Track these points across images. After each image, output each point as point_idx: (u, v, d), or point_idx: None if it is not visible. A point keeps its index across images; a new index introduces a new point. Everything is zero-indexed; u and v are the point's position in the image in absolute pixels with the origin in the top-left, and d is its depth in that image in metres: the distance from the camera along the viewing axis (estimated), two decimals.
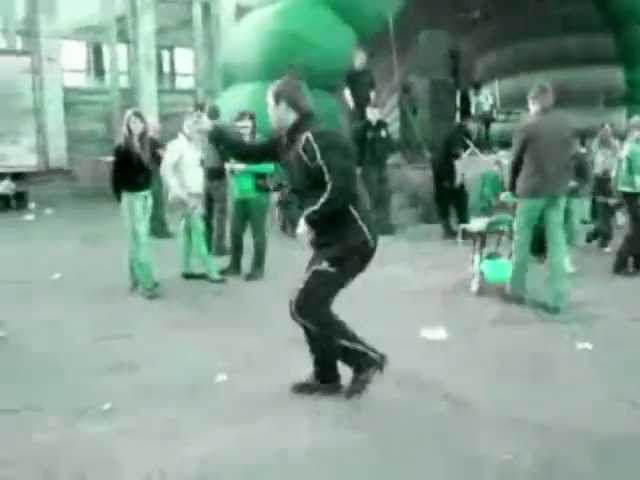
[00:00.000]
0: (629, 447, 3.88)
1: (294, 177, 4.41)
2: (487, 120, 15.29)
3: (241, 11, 19.13)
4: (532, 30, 15.34)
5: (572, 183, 7.91)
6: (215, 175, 8.68)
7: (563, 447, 3.84)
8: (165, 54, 22.86)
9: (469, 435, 4.01)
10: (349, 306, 4.75)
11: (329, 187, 4.11)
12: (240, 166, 7.72)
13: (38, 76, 16.75)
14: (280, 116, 4.37)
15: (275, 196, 10.61)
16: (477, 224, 7.64)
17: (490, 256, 7.50)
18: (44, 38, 18.30)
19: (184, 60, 23.03)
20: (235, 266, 8.17)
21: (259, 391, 4.69)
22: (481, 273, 7.27)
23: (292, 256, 9.08)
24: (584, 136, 12.95)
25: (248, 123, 7.85)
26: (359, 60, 11.96)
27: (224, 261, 8.29)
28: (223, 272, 8.00)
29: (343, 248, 4.29)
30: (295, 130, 4.30)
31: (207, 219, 8.68)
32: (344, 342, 4.42)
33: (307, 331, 4.51)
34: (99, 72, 21.38)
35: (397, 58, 12.36)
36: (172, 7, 21.40)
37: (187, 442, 3.95)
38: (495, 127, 15.47)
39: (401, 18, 12.24)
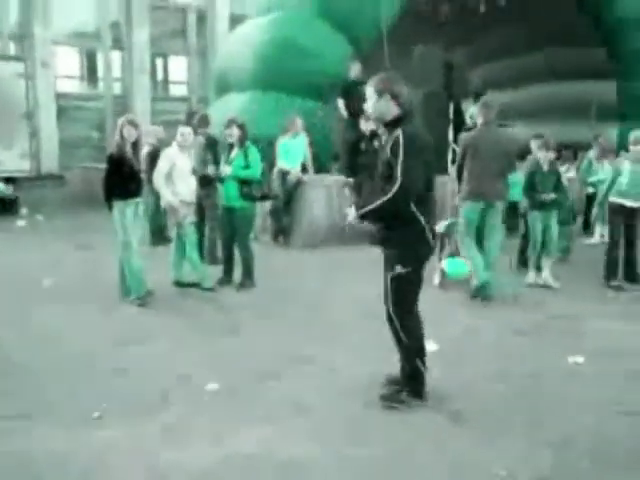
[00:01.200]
0: (628, 458, 3.89)
1: (378, 172, 4.55)
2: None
3: (235, 20, 19.17)
4: (526, 43, 15.43)
5: (551, 196, 8.02)
6: (206, 183, 8.67)
7: (562, 460, 3.85)
8: (159, 61, 22.84)
9: (466, 449, 4.01)
10: (339, 314, 4.74)
11: (394, 186, 4.25)
12: (227, 169, 7.77)
13: (31, 81, 16.71)
14: (382, 110, 4.47)
15: (266, 205, 10.62)
16: (438, 226, 7.94)
17: (451, 255, 8.05)
18: (38, 43, 18.28)
19: (178, 68, 23.01)
20: (227, 276, 8.15)
21: (251, 399, 4.69)
22: (442, 270, 7.94)
23: (283, 266, 9.16)
24: (576, 149, 13.07)
25: (235, 131, 7.87)
26: (354, 71, 11.97)
27: (217, 270, 8.26)
28: (219, 283, 8.00)
29: (407, 249, 4.51)
30: (395, 124, 4.42)
31: (199, 227, 8.66)
32: (413, 355, 4.62)
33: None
34: (93, 78, 21.32)
35: (391, 70, 12.39)
36: (167, 15, 21.41)
37: (179, 450, 3.94)
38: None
39: (396, 30, 12.28)
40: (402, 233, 4.49)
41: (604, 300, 7.65)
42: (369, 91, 4.50)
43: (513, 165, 7.87)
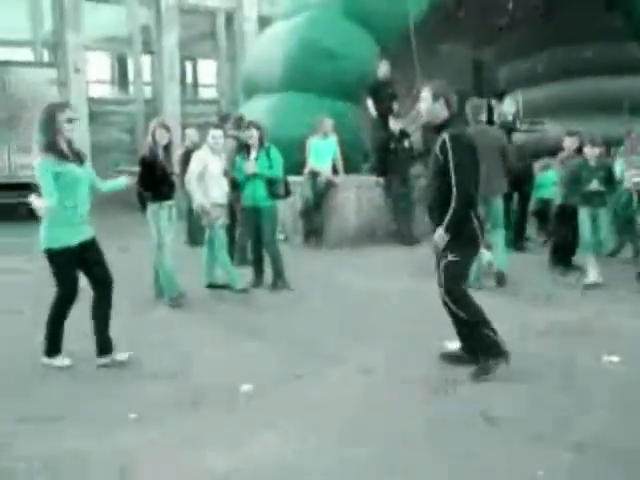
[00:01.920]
0: None
1: (429, 173, 5.13)
2: (509, 129, 15.19)
3: (264, 22, 19.24)
4: (555, 39, 15.29)
5: (594, 185, 7.92)
6: (237, 186, 8.71)
7: (595, 463, 3.81)
8: (188, 65, 23.02)
9: (499, 450, 4.00)
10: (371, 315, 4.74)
11: (454, 198, 4.80)
12: (252, 166, 7.85)
13: (64, 87, 16.95)
14: (436, 112, 4.96)
15: (297, 206, 10.65)
16: None
17: None
18: (70, 49, 18.53)
19: (207, 71, 23.18)
20: (258, 277, 8.19)
21: (284, 400, 4.72)
22: None
23: (315, 267, 9.18)
24: (609, 145, 12.91)
25: (254, 132, 7.96)
26: (382, 71, 11.97)
27: (248, 271, 8.30)
28: (252, 285, 8.05)
29: (460, 243, 4.99)
30: (444, 126, 4.93)
31: (230, 229, 8.71)
32: (479, 325, 5.01)
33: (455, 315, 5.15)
34: (124, 83, 21.57)
35: (419, 69, 12.36)
36: (196, 19, 21.58)
37: (216, 452, 3.97)
38: (518, 136, 15.38)
39: (424, 28, 12.25)
40: (457, 231, 4.95)
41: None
42: (426, 94, 4.94)
43: (509, 158, 8.20)
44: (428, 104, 4.96)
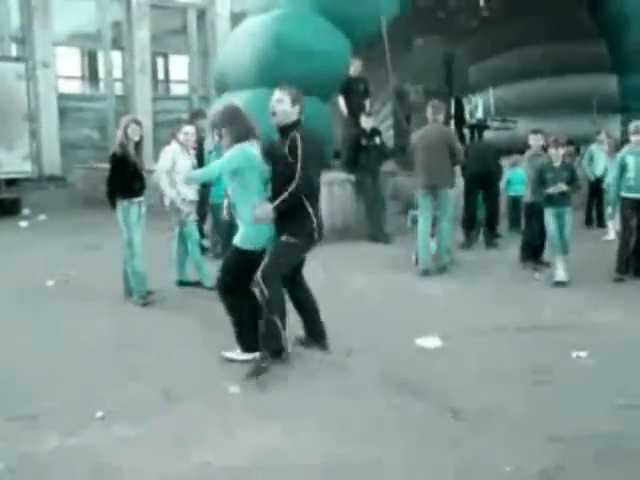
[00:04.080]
0: (630, 449, 3.90)
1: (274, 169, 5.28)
2: (480, 127, 15.29)
3: (236, 18, 19.16)
4: (526, 38, 15.41)
5: (560, 187, 7.98)
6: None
7: (568, 455, 3.85)
8: (160, 61, 22.83)
9: (473, 444, 4.01)
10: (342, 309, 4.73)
11: (294, 182, 5.06)
12: None
13: (32, 82, 16.72)
14: (290, 116, 5.28)
15: None
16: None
17: None
18: (39, 44, 18.30)
19: (179, 67, 23.01)
20: None
21: (261, 398, 4.70)
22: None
23: None
24: (579, 144, 13.05)
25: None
26: (355, 68, 11.97)
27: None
28: None
29: (297, 229, 5.23)
30: (293, 127, 5.23)
31: (199, 225, 8.64)
32: (274, 311, 5.16)
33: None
34: (94, 79, 21.32)
35: (391, 65, 12.39)
36: (167, 14, 21.40)
37: (192, 450, 3.95)
38: (489, 134, 15.50)
39: (395, 25, 12.26)
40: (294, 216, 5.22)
41: (611, 294, 7.61)
42: (284, 97, 5.27)
43: (459, 155, 8.81)
44: (286, 107, 5.25)
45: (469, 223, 10.55)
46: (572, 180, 8.17)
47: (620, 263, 8.13)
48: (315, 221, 5.28)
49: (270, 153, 5.29)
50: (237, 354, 5.41)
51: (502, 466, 3.72)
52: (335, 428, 4.26)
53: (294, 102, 5.30)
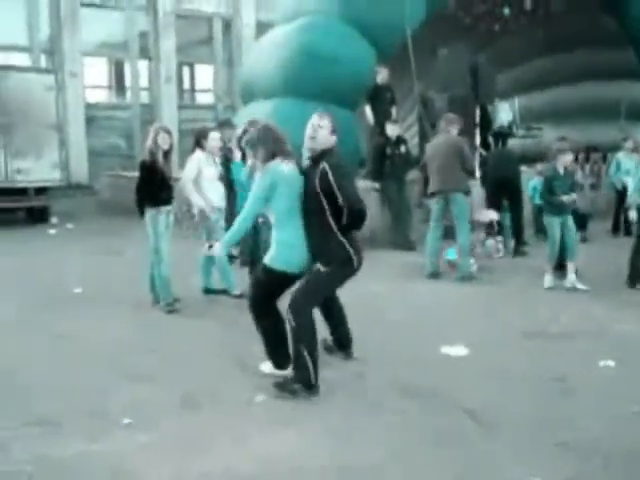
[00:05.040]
0: None
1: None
2: (504, 135, 15.20)
3: (261, 27, 19.27)
4: (553, 45, 15.32)
5: (572, 197, 8.01)
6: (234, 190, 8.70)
7: (588, 466, 3.82)
8: (186, 70, 23.03)
9: (492, 454, 4.00)
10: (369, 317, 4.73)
11: (345, 214, 4.94)
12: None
13: (61, 92, 16.95)
14: (327, 143, 5.10)
15: None
16: None
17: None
18: (67, 55, 18.57)
19: (204, 76, 23.19)
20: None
21: (282, 405, 4.72)
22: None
23: None
24: (605, 151, 12.94)
25: None
26: (382, 76, 11.98)
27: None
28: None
29: (329, 258, 5.02)
30: (324, 156, 5.02)
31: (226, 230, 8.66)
32: (302, 346, 4.88)
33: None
34: (120, 88, 21.58)
35: (416, 73, 12.38)
36: (193, 24, 21.61)
37: (206, 457, 3.97)
38: (515, 142, 15.41)
39: (420, 33, 12.27)
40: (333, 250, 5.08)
41: (627, 303, 7.56)
42: (326, 123, 5.12)
43: (468, 162, 8.94)
44: (327, 133, 5.09)
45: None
46: (572, 188, 8.29)
47: (633, 270, 8.14)
48: (350, 249, 5.02)
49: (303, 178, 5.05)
50: (269, 368, 5.30)
51: (523, 476, 3.70)
52: (351, 437, 4.26)
53: (333, 132, 5.15)
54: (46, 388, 5.12)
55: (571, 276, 8.14)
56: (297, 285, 5.00)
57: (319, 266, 4.92)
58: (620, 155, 11.95)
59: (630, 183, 10.82)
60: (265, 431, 4.34)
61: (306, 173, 5.04)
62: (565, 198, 8.03)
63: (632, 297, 7.78)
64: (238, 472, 3.80)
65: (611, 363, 5.47)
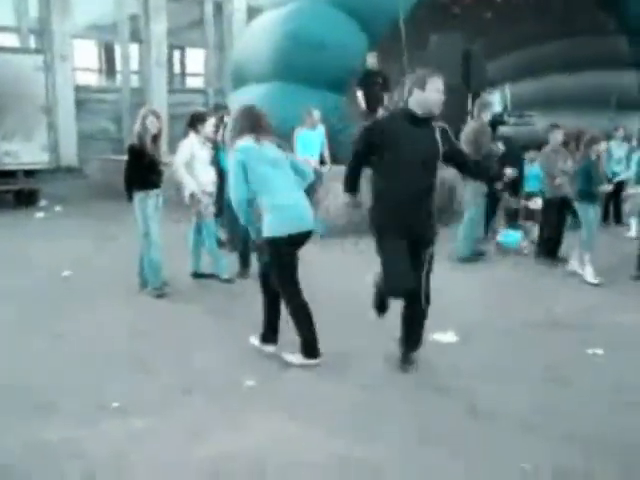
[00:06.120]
0: None
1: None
2: (495, 123, 15.18)
3: (252, 11, 19.17)
4: (545, 33, 15.30)
5: (609, 187, 8.08)
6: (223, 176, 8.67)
7: (582, 454, 3.84)
8: (176, 54, 22.89)
9: (486, 441, 4.01)
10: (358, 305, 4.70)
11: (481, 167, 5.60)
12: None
13: (50, 74, 16.79)
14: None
15: None
16: None
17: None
18: (57, 37, 18.41)
19: (195, 60, 23.06)
20: (244, 268, 8.13)
21: (270, 392, 4.71)
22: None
23: (301, 257, 9.12)
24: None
25: None
26: (370, 62, 11.94)
27: (235, 261, 8.26)
28: (238, 275, 7.99)
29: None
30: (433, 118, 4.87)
31: (217, 217, 8.64)
32: None
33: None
34: (111, 71, 21.42)
35: (408, 60, 12.34)
36: (184, 7, 21.45)
37: (200, 442, 3.96)
38: (507, 130, 15.40)
39: (412, 20, 12.21)
40: None
41: (630, 293, 7.58)
42: (442, 86, 4.76)
43: (483, 148, 8.76)
44: (443, 96, 4.78)
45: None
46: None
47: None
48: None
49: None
50: (296, 358, 5.28)
51: (516, 463, 3.71)
52: (345, 421, 4.27)
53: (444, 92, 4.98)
54: (36, 375, 5.09)
55: (589, 269, 8.02)
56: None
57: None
58: (611, 144, 11.96)
59: (623, 172, 10.89)
60: (257, 415, 4.34)
61: (410, 133, 4.79)
62: (603, 188, 8.11)
63: (631, 286, 7.83)
64: (234, 457, 3.79)
65: (603, 352, 5.49)
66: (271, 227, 5.05)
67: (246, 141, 5.09)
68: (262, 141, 5.11)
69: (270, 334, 5.47)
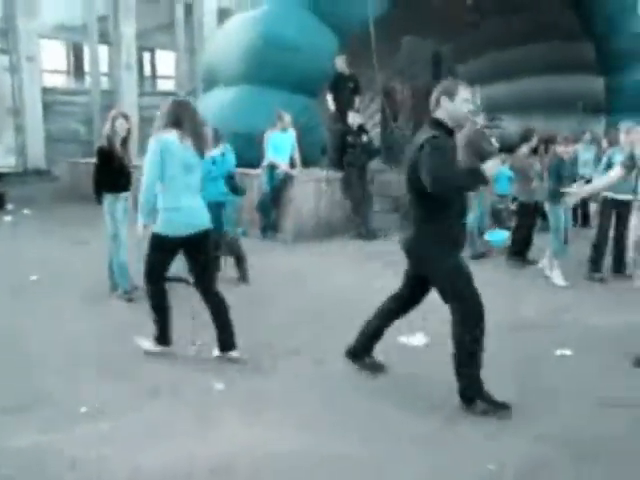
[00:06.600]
0: (613, 448, 3.92)
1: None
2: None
3: (223, 14, 19.12)
4: (514, 37, 15.44)
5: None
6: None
7: (548, 456, 3.86)
8: (146, 56, 22.75)
9: (455, 442, 4.02)
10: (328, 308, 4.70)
11: None
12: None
13: (17, 75, 16.61)
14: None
15: (255, 199, 10.57)
16: None
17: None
18: (23, 37, 18.16)
19: (166, 62, 22.94)
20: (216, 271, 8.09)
21: (243, 393, 4.69)
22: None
23: (272, 261, 9.12)
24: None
25: (209, 130, 7.90)
26: (339, 64, 11.96)
27: None
28: None
29: None
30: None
31: None
32: None
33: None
34: (79, 73, 21.22)
35: (379, 63, 12.38)
36: (154, 9, 21.31)
37: (170, 446, 3.94)
38: None
39: (383, 23, 12.26)
40: None
41: (589, 292, 7.69)
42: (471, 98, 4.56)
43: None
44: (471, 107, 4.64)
45: None
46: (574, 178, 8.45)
47: (594, 260, 8.27)
48: None
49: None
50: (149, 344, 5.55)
51: (483, 464, 3.73)
52: (310, 424, 4.26)
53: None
54: (2, 378, 5.01)
55: (557, 271, 8.14)
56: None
57: None
58: (578, 147, 12.09)
59: (590, 174, 10.99)
60: (226, 419, 4.31)
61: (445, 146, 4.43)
62: (574, 186, 8.08)
63: (597, 287, 7.93)
64: (201, 461, 3.77)
65: (568, 352, 5.54)
66: (162, 224, 5.22)
67: (171, 135, 5.16)
68: (184, 141, 5.18)
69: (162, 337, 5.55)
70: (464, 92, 4.46)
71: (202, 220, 5.32)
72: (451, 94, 4.43)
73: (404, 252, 4.66)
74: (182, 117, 5.23)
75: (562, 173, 8.16)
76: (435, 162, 4.19)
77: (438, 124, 4.44)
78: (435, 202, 4.34)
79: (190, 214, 5.24)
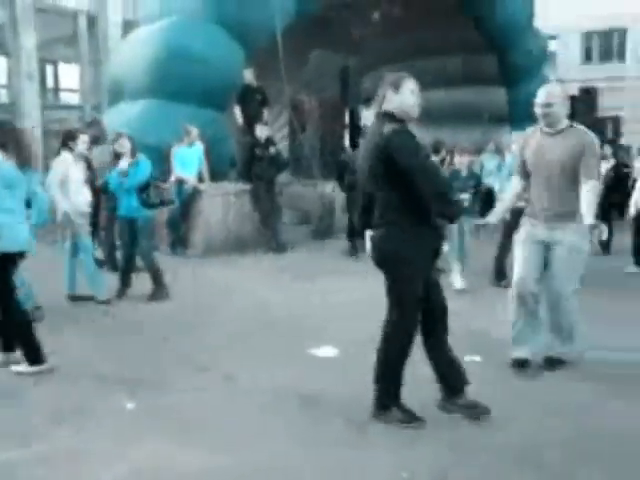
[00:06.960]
0: (523, 455, 4.00)
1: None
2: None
3: (128, 26, 18.80)
4: (419, 50, 15.77)
5: (465, 196, 8.20)
6: (107, 193, 8.53)
7: (460, 461, 3.92)
8: (49, 68, 22.13)
9: (366, 452, 4.03)
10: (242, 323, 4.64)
11: None
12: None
13: None
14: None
15: (164, 214, 10.40)
16: None
17: None
18: None
19: (69, 75, 22.38)
20: (124, 288, 7.91)
21: (154, 412, 4.58)
22: None
23: (182, 276, 8.97)
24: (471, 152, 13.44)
25: (126, 142, 7.77)
26: (247, 77, 11.96)
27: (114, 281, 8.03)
28: (117, 295, 7.78)
29: None
30: None
31: (92, 235, 8.42)
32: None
33: None
34: None
35: (286, 76, 12.41)
36: (55, 20, 20.73)
37: (84, 470, 3.80)
38: None
39: (291, 35, 12.30)
40: None
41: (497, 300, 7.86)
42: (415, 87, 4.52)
43: None
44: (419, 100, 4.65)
45: (352, 232, 10.54)
46: (478, 188, 8.59)
47: (499, 268, 8.54)
48: None
49: None
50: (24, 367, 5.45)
51: (396, 472, 3.76)
52: (220, 438, 4.22)
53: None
54: None
55: (458, 278, 8.38)
56: None
57: None
58: (483, 157, 12.44)
59: (493, 183, 11.31)
60: (138, 438, 4.21)
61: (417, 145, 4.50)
62: (463, 197, 8.18)
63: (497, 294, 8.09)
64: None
65: (478, 358, 5.65)
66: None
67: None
68: (7, 160, 5.37)
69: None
70: (409, 83, 4.47)
71: (21, 242, 5.46)
72: (397, 86, 4.42)
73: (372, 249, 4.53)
74: (7, 140, 5.44)
75: (454, 184, 8.30)
76: (432, 177, 4.26)
77: (391, 116, 4.39)
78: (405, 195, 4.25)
79: (12, 231, 5.36)
